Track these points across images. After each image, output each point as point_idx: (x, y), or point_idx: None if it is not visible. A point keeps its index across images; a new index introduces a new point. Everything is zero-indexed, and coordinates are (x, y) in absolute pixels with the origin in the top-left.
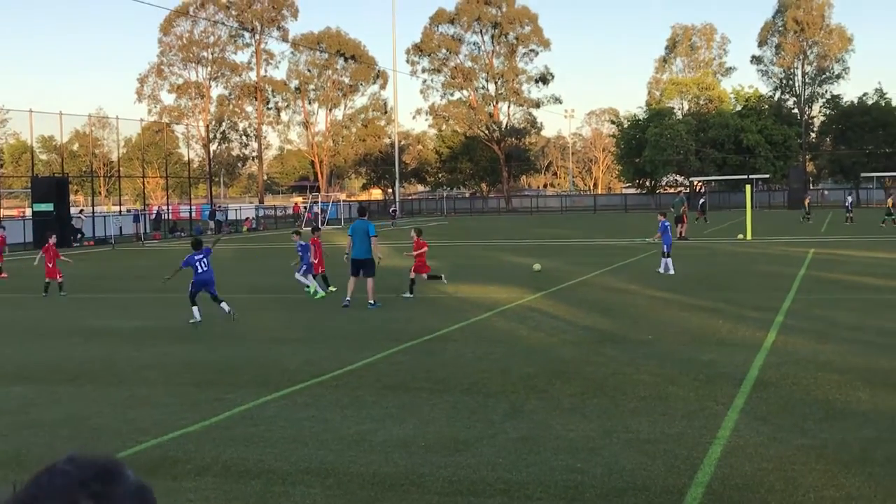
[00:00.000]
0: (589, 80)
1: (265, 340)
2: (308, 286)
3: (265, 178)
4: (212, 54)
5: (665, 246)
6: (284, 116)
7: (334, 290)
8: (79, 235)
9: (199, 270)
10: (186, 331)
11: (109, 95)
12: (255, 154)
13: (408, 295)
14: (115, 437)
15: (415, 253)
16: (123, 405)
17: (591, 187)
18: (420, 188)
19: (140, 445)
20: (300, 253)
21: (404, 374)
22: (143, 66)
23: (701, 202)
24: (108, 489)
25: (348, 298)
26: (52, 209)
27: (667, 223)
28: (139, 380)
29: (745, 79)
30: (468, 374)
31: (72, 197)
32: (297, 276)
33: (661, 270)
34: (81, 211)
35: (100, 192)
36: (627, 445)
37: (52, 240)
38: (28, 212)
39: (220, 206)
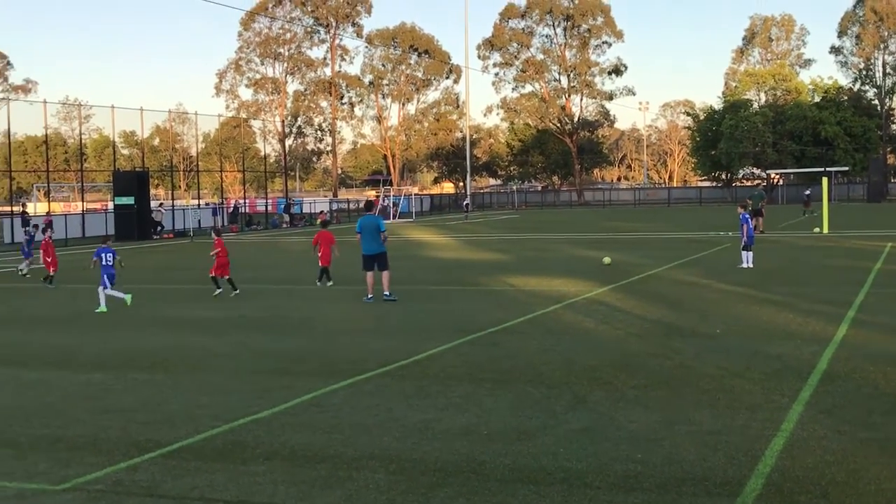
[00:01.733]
0: (664, 72)
1: (335, 331)
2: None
3: (339, 172)
4: (288, 50)
5: (746, 238)
6: (358, 111)
7: (332, 284)
8: (159, 228)
9: (104, 262)
10: (259, 321)
11: (189, 91)
12: (329, 148)
13: (218, 291)
14: (188, 423)
15: (212, 253)
16: (196, 392)
17: (666, 180)
18: (491, 182)
19: (211, 430)
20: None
21: (469, 364)
22: (222, 62)
23: (806, 193)
24: None
25: (370, 295)
26: (132, 203)
27: (747, 215)
28: (212, 367)
29: (823, 70)
30: (532, 365)
31: (152, 190)
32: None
33: (744, 264)
34: (161, 204)
35: (179, 186)
36: (689, 437)
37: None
38: (110, 205)
39: (294, 200)
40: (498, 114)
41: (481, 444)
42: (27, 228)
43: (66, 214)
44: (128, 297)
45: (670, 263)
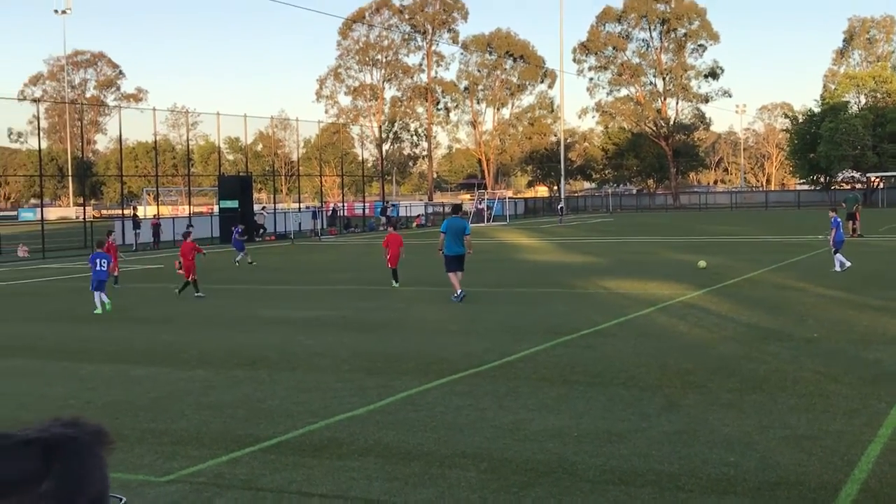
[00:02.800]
0: (761, 75)
1: (429, 332)
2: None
3: (434, 176)
4: (385, 57)
5: (835, 243)
6: (453, 116)
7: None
8: (261, 231)
9: (97, 268)
10: (356, 321)
11: (291, 98)
12: (425, 153)
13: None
14: (287, 419)
15: (180, 258)
16: (296, 389)
17: (764, 183)
18: (586, 185)
19: (309, 427)
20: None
21: (562, 366)
22: (322, 70)
23: None
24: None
25: (458, 292)
26: (236, 206)
27: (838, 219)
28: (311, 366)
29: None
30: (625, 368)
31: (255, 194)
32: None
33: (838, 268)
34: (264, 208)
35: (281, 190)
36: (784, 441)
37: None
38: (215, 208)
39: (391, 203)
40: (593, 117)
41: (573, 445)
42: (235, 227)
43: (173, 217)
44: (108, 304)
45: (766, 267)
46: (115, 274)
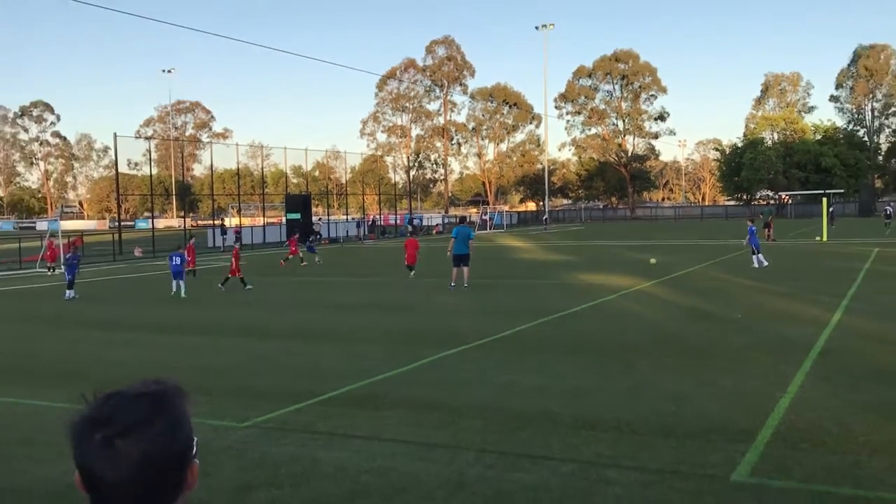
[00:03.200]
0: (698, 116)
1: (446, 313)
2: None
3: (449, 194)
4: (412, 105)
5: (753, 246)
6: (464, 149)
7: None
8: (317, 236)
9: (172, 262)
10: (390, 304)
11: (340, 135)
12: (442, 177)
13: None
14: (338, 378)
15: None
16: (345, 356)
17: (700, 200)
18: (564, 201)
19: (355, 384)
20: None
21: (544, 339)
22: (364, 114)
23: (830, 210)
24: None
25: (453, 283)
26: (299, 217)
27: (753, 227)
28: (356, 338)
29: (823, 114)
30: (592, 340)
31: (313, 208)
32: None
33: (756, 265)
34: (319, 219)
35: (333, 205)
36: (713, 396)
37: (192, 241)
38: (283, 219)
39: (416, 215)
40: (569, 149)
41: (553, 399)
42: (314, 236)
43: (251, 226)
44: (183, 290)
45: (702, 263)
46: (192, 268)
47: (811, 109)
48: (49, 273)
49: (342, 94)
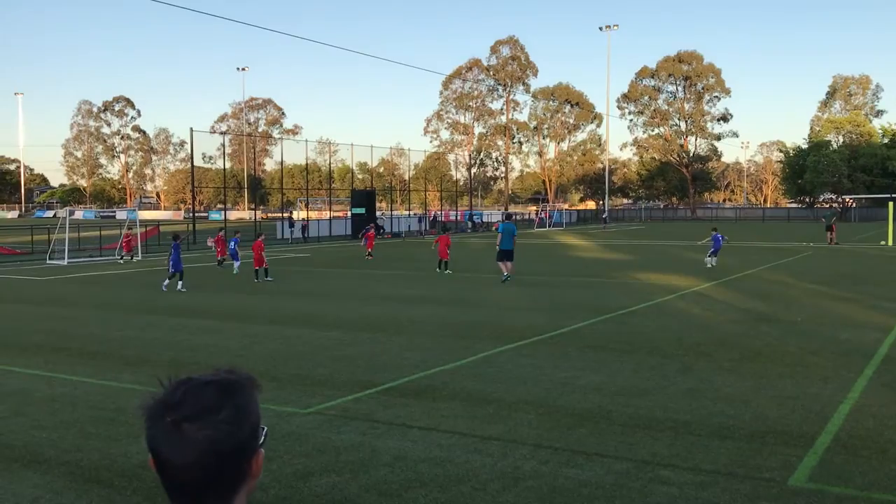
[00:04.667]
0: (761, 117)
1: (502, 308)
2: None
3: (509, 192)
4: (475, 103)
5: (713, 250)
6: (525, 148)
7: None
8: (381, 231)
9: (174, 255)
10: (447, 298)
11: (405, 133)
12: (502, 175)
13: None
14: (396, 370)
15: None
16: (403, 348)
17: (762, 202)
18: (624, 201)
19: (412, 376)
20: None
21: (602, 337)
22: (428, 112)
23: None
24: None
25: (506, 275)
26: (364, 212)
27: (718, 235)
28: (414, 331)
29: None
30: (650, 340)
31: (377, 204)
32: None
33: (709, 266)
34: (383, 214)
35: (396, 201)
36: (772, 400)
37: (225, 235)
38: (348, 213)
39: (476, 212)
40: (631, 149)
41: (609, 397)
42: (367, 227)
43: (318, 220)
44: (235, 269)
45: (762, 266)
46: (221, 258)
47: (880, 113)
48: (122, 261)
49: (408, 92)
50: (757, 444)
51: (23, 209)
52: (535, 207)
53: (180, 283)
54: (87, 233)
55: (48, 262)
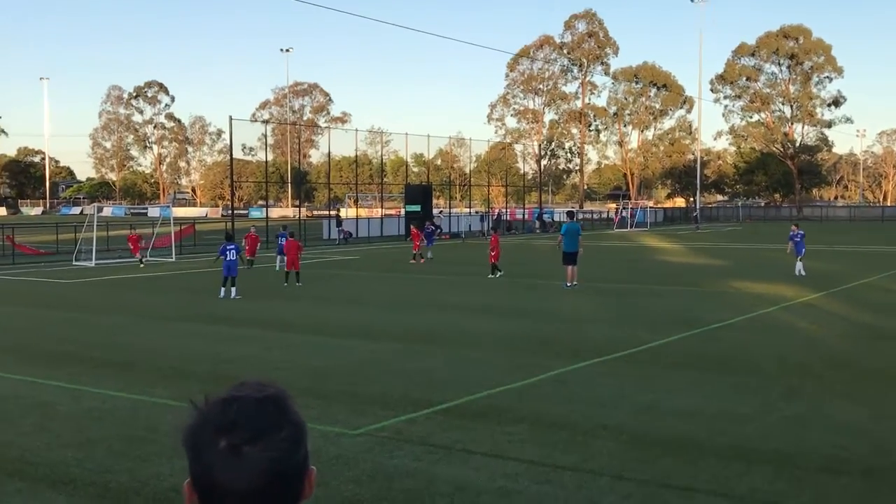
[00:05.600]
0: (880, 102)
1: (576, 319)
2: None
3: (585, 187)
4: (546, 86)
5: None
6: (603, 137)
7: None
8: (438, 231)
9: (228, 258)
10: (514, 308)
11: (466, 121)
12: (577, 168)
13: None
14: (456, 388)
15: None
16: (463, 363)
17: (881, 199)
18: (719, 197)
19: (474, 395)
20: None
21: (693, 355)
22: (493, 97)
23: None
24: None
25: (574, 283)
26: (419, 209)
27: (801, 233)
28: (476, 344)
29: None
30: (749, 358)
31: (434, 200)
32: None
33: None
34: (441, 211)
35: (455, 197)
36: (894, 431)
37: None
38: (402, 211)
39: (546, 210)
40: (726, 138)
41: (701, 424)
42: (430, 224)
43: (368, 218)
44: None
45: (880, 273)
46: (251, 258)
47: None
48: (142, 265)
49: (469, 75)
50: (875, 481)
51: (47, 205)
52: (614, 205)
53: (233, 289)
54: (117, 231)
55: (74, 263)
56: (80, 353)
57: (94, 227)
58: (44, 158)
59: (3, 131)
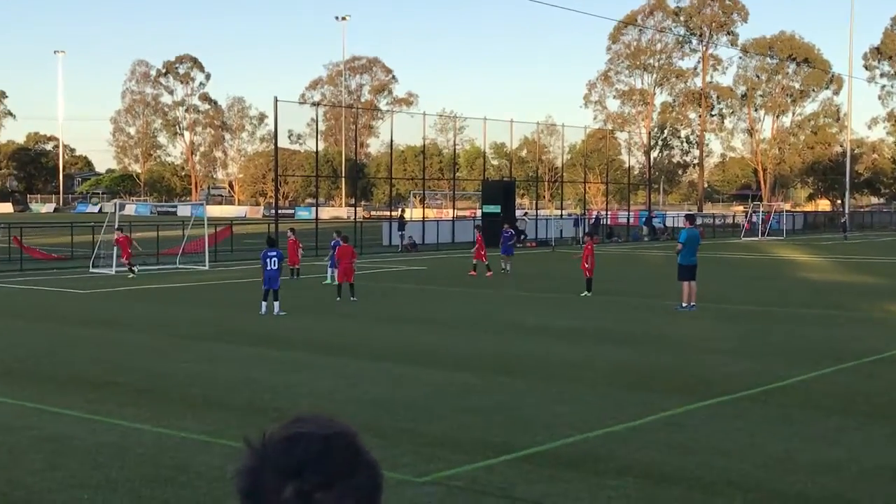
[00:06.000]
0: None
1: (693, 349)
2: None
3: (705, 185)
4: (658, 61)
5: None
6: (728, 123)
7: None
8: (522, 237)
9: (269, 267)
10: (615, 333)
11: (557, 104)
12: (695, 161)
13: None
14: (543, 429)
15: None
16: (553, 399)
17: None
18: (873, 200)
19: (567, 439)
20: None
21: (840, 395)
22: (591, 74)
23: None
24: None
25: (692, 304)
26: (499, 211)
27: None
28: (569, 377)
29: None
30: None
31: (517, 200)
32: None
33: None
34: (526, 213)
35: (543, 196)
36: None
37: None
38: (478, 213)
39: (656, 213)
40: (883, 127)
41: (850, 482)
42: (508, 229)
43: (437, 221)
44: (328, 279)
45: None
46: (296, 267)
47: None
48: (132, 276)
49: (561, 47)
50: None
51: (60, 201)
52: (741, 208)
53: (276, 304)
54: (142, 233)
55: (91, 270)
56: (97, 378)
57: (115, 228)
58: (57, 146)
59: (10, 113)
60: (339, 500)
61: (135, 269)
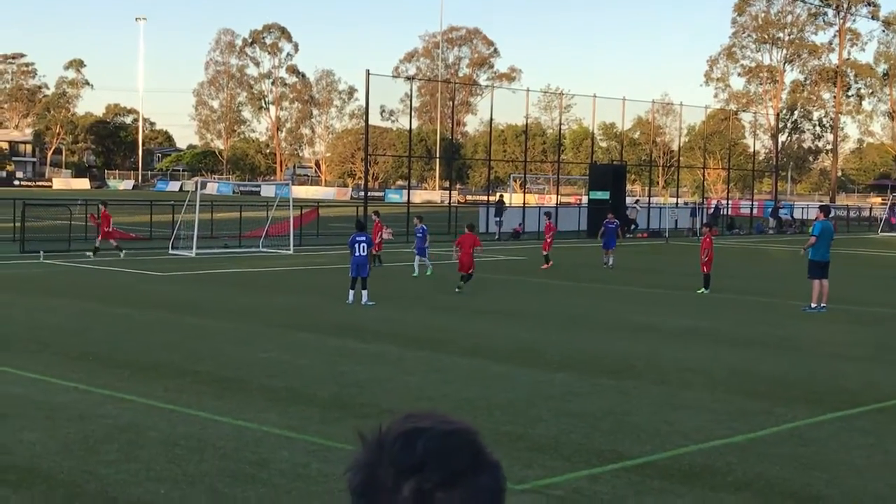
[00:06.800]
0: None
1: (823, 354)
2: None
3: (839, 174)
4: (788, 35)
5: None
6: (867, 105)
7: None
8: (633, 227)
9: (357, 253)
10: (734, 334)
11: (674, 81)
12: (828, 147)
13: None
14: (655, 437)
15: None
16: (665, 405)
17: None
18: None
19: (679, 449)
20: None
21: None
22: (713, 49)
23: None
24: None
25: (823, 304)
26: (607, 198)
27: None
28: (683, 381)
29: None
30: None
31: (628, 186)
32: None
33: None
34: (637, 201)
35: (657, 182)
36: None
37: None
38: (584, 199)
39: (783, 204)
40: None
41: None
42: (612, 218)
43: (539, 207)
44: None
45: None
46: (377, 253)
47: None
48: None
49: (679, 20)
50: None
51: (139, 178)
52: (880, 199)
53: (364, 293)
54: (224, 213)
55: (171, 252)
56: (176, 365)
57: (197, 207)
58: (136, 119)
59: (87, 83)
60: (462, 502)
61: (122, 252)
